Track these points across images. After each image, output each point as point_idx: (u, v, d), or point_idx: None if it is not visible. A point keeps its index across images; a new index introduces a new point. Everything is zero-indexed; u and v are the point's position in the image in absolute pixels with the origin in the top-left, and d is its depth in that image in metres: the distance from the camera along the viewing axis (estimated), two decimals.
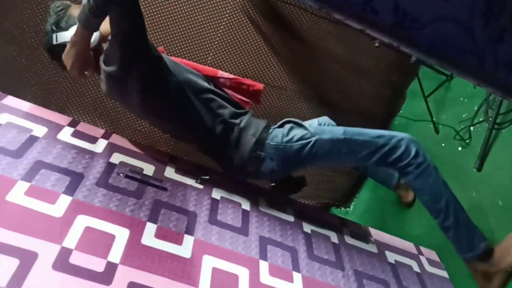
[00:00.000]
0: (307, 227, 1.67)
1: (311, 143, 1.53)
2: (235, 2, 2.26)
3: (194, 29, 2.24)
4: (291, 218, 1.67)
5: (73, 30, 1.38)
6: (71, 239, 1.14)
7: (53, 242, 1.11)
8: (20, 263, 1.02)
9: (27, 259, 1.04)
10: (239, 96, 1.66)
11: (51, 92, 2.09)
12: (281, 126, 1.61)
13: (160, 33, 2.14)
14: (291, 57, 2.46)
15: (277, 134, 1.56)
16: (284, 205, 1.74)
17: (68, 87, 2.09)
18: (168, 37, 2.16)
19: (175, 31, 2.20)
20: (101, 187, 1.36)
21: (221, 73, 1.62)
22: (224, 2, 2.24)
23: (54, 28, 1.44)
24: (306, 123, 1.62)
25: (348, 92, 2.63)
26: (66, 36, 1.41)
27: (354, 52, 2.54)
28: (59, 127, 1.52)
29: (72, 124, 1.57)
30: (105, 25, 1.38)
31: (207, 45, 2.31)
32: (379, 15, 0.84)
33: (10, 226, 1.09)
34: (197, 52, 2.25)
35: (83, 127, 1.59)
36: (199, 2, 2.22)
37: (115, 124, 2.07)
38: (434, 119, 2.32)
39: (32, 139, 1.40)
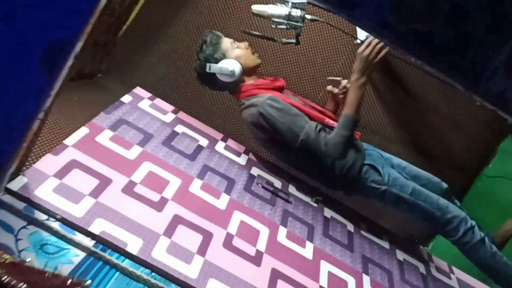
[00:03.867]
0: (400, 255, 1.94)
1: (380, 190, 1.82)
2: (351, 50, 2.62)
3: (311, 68, 2.64)
4: (386, 245, 1.96)
5: (223, 63, 1.79)
6: (233, 227, 1.53)
7: (222, 227, 1.50)
8: (203, 239, 1.42)
9: (206, 236, 1.44)
10: None
11: (200, 107, 2.58)
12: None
13: (282, 69, 2.55)
14: (394, 104, 2.77)
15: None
16: (380, 233, 2.03)
17: (214, 105, 2.56)
18: (288, 73, 2.57)
19: (296, 68, 2.60)
20: (247, 192, 1.75)
21: (327, 121, 1.86)
22: (342, 49, 2.61)
23: (209, 59, 1.83)
24: (380, 165, 1.90)
25: (441, 141, 2.87)
26: (217, 68, 1.81)
27: (452, 106, 2.78)
28: (216, 141, 1.95)
29: (223, 139, 2.00)
30: (245, 59, 1.82)
31: (320, 84, 2.69)
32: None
33: (194, 210, 1.50)
34: (310, 88, 2.63)
35: (231, 142, 2.01)
36: (320, 47, 2.61)
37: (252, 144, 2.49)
38: None
39: (199, 148, 1.84)
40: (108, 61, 2.68)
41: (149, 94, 1.99)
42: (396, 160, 2.07)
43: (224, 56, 1.84)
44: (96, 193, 1.35)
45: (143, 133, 1.72)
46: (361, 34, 2.55)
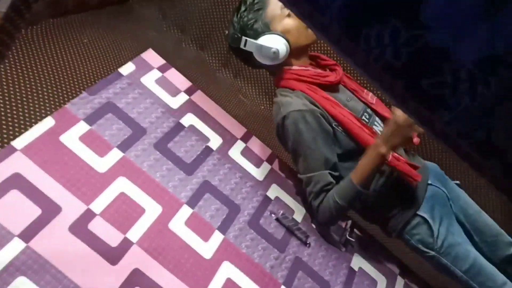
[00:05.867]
0: None
1: (428, 255, 1.39)
2: None
3: None
4: None
5: (264, 40, 1.30)
6: None
7: None
8: None
9: None
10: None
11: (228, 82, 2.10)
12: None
13: None
14: None
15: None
16: None
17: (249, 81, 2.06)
18: None
19: None
20: (252, 228, 1.34)
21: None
22: None
23: (246, 30, 1.33)
24: (438, 218, 1.38)
25: None
26: (255, 46, 1.32)
27: None
28: (233, 140, 1.50)
29: (245, 137, 1.54)
30: (296, 35, 1.33)
31: None
32: None
33: (165, 262, 1.14)
34: None
35: (253, 143, 1.55)
36: None
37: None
38: None
39: (207, 152, 1.41)
40: None
41: (162, 62, 1.53)
42: (465, 201, 1.52)
43: (267, 28, 1.33)
44: (30, 232, 1.01)
45: (133, 127, 1.31)
46: None
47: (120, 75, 1.40)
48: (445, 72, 0.55)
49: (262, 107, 2.28)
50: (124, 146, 1.26)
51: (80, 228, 1.07)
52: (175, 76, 1.52)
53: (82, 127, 1.22)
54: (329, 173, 1.31)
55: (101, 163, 1.19)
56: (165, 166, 1.30)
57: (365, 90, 1.51)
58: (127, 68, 1.43)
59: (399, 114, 1.20)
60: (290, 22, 1.34)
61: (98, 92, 1.32)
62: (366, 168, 1.27)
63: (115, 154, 1.23)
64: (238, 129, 1.55)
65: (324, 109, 1.30)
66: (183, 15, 2.31)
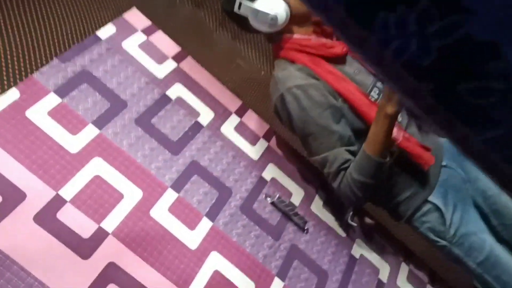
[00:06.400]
0: None
1: (439, 244, 1.25)
2: None
3: None
4: None
5: (260, 3, 1.14)
6: (198, 284, 1.06)
7: None
8: None
9: None
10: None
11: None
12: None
13: None
14: None
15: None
16: (425, 284, 1.48)
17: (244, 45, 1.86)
18: None
19: None
20: (244, 214, 1.22)
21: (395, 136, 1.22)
22: None
23: None
24: (451, 205, 1.26)
25: None
26: (251, 10, 1.15)
27: None
28: (226, 115, 1.35)
29: (239, 111, 1.39)
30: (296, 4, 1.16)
31: None
32: None
33: (144, 254, 1.03)
34: None
35: (249, 118, 1.40)
36: None
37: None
38: None
39: (196, 128, 1.27)
40: None
41: (147, 23, 1.35)
42: (484, 182, 1.38)
43: None
44: None
45: (111, 100, 1.17)
46: None
47: (98, 39, 1.23)
48: (492, 75, 0.39)
49: (263, 72, 2.10)
50: (100, 122, 1.12)
51: (47, 217, 0.95)
52: (162, 40, 1.35)
53: (52, 100, 1.08)
54: (346, 149, 1.17)
55: (74, 142, 1.06)
56: (147, 144, 1.16)
57: None
58: (106, 31, 1.26)
59: None
60: None
61: (72, 58, 1.16)
62: (377, 135, 1.11)
63: (90, 131, 1.09)
64: (232, 102, 1.39)
65: (328, 84, 1.14)
66: None
